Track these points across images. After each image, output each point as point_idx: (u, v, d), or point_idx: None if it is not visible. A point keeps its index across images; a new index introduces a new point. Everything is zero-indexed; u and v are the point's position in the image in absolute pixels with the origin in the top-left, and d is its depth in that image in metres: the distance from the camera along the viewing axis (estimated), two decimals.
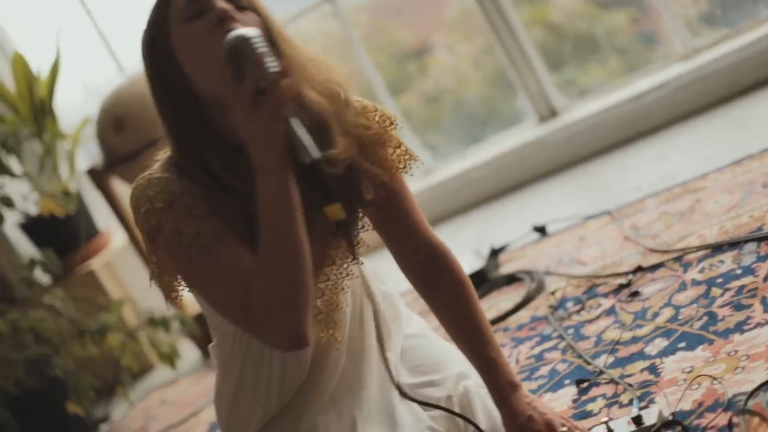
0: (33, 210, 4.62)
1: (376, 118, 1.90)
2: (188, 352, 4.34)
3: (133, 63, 4.86)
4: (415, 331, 2.14)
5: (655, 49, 5.37)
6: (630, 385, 2.11)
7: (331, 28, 4.92)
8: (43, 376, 3.92)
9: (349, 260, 1.86)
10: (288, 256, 1.68)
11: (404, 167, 1.93)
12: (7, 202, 4.16)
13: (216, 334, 1.98)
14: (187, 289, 1.82)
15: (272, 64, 1.62)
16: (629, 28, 5.46)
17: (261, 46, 1.63)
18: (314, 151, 1.62)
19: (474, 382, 2.03)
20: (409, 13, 6.63)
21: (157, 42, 1.76)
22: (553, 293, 2.82)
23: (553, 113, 4.30)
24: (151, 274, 1.80)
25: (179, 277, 1.80)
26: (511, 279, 3.15)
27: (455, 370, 2.05)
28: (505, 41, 4.27)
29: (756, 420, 1.70)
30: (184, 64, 1.74)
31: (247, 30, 1.65)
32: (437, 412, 1.95)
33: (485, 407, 1.99)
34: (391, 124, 1.92)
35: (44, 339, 3.99)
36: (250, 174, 1.69)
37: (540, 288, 2.94)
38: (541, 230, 3.45)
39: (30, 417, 4.05)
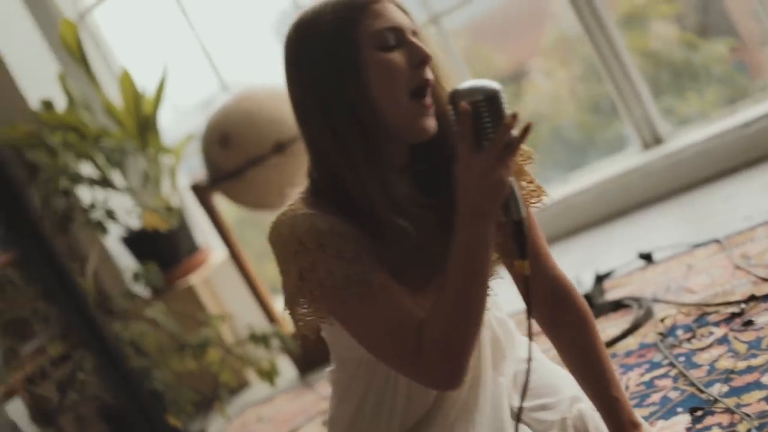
0: (135, 224, 4.69)
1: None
2: (285, 369, 4.36)
3: (237, 81, 4.92)
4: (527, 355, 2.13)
5: (748, 80, 5.31)
6: (748, 416, 2.07)
7: None
8: (142, 389, 3.96)
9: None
10: (477, 302, 1.72)
11: (535, 202, 1.93)
12: (111, 215, 4.24)
13: (337, 360, 1.99)
14: (323, 321, 1.82)
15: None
16: (728, 57, 5.41)
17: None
18: (523, 209, 1.68)
19: (588, 406, 2.01)
20: (507, 37, 6.63)
21: (346, 61, 1.74)
22: (662, 320, 2.79)
23: (657, 140, 4.26)
24: (286, 303, 1.81)
25: (318, 310, 1.80)
26: (618, 305, 3.12)
27: (569, 393, 2.04)
28: (610, 66, 4.24)
29: None
30: (373, 89, 1.74)
31: (492, 83, 1.66)
32: None
33: (599, 430, 1.97)
34: (528, 159, 1.92)
35: (144, 352, 4.05)
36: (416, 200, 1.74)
37: (648, 315, 2.90)
38: (647, 257, 3.41)
39: (128, 430, 4.10)
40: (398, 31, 1.76)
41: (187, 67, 5.26)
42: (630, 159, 4.32)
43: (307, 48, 1.79)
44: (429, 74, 1.77)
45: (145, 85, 4.55)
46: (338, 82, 1.75)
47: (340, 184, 1.77)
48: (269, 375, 3.95)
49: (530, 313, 1.77)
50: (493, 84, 1.65)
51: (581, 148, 5.91)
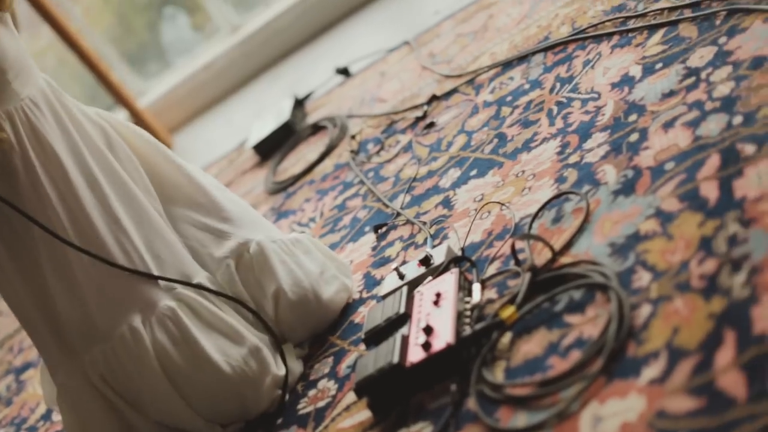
0: None
1: None
2: None
3: None
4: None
5: None
6: (424, 224, 2.03)
7: None
8: None
9: None
10: None
11: None
12: None
13: None
14: None
15: None
16: None
17: None
18: None
19: (266, 237, 1.94)
20: None
21: None
22: (353, 137, 2.71)
23: None
24: None
25: None
26: (316, 128, 3.04)
27: (247, 227, 1.97)
28: None
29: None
30: None
31: None
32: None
33: (283, 262, 1.91)
34: None
35: None
36: None
37: (342, 133, 2.83)
38: (344, 72, 3.32)
39: None
40: None
41: None
42: None
43: None
44: None
45: None
46: None
47: None
48: None
49: None
50: None
51: None
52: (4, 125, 1.74)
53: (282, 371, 1.83)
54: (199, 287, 1.84)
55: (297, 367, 1.86)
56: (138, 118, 4.19)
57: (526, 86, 2.27)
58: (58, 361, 1.84)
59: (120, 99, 4.18)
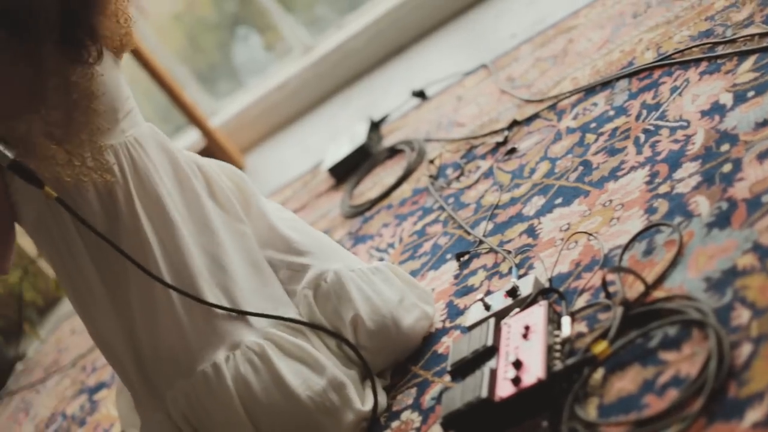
0: None
1: None
2: None
3: None
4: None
5: None
6: (508, 252, 2.00)
7: None
8: None
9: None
10: None
11: None
12: None
13: None
14: None
15: None
16: None
17: None
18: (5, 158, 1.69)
19: (345, 266, 1.93)
20: None
21: None
22: (432, 161, 2.69)
23: None
24: None
25: None
26: (393, 151, 3.02)
27: (324, 258, 1.96)
28: None
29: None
30: None
31: None
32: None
33: (361, 290, 1.89)
34: None
35: None
36: None
37: (420, 157, 2.81)
38: (420, 95, 3.30)
39: None
40: None
41: None
42: None
43: None
44: None
45: None
46: None
47: None
48: None
49: None
50: None
51: None
52: (109, 158, 1.79)
53: (367, 407, 1.80)
54: (290, 320, 1.84)
55: (382, 399, 1.84)
56: (210, 138, 4.20)
57: (611, 113, 2.23)
58: (142, 395, 1.84)
59: (192, 119, 4.19)
